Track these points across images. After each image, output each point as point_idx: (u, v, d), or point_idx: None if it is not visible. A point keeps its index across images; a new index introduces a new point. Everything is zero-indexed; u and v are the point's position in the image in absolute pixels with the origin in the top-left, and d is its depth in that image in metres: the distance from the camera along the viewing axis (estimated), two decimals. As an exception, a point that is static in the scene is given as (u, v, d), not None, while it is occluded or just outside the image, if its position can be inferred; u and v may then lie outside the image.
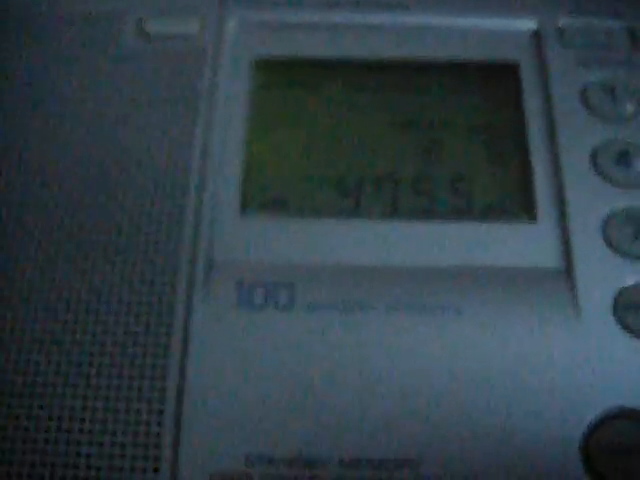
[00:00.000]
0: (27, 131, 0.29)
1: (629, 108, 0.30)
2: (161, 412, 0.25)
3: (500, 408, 0.25)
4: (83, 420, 0.25)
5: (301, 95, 0.31)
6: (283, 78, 0.31)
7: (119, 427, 0.25)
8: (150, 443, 0.24)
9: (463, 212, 0.28)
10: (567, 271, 0.27)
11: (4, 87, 0.30)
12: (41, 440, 0.24)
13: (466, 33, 0.32)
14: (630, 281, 0.26)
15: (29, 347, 0.26)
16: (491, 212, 0.28)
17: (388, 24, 0.32)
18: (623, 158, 0.29)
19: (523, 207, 0.28)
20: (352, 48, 0.31)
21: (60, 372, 0.25)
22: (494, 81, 0.31)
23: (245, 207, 0.28)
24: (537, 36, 0.32)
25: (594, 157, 0.29)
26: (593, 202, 0.28)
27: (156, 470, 0.24)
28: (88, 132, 0.29)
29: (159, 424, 0.25)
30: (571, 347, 0.25)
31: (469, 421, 0.25)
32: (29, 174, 0.28)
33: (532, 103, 0.30)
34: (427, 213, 0.28)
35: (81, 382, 0.25)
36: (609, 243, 0.27)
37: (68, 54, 0.31)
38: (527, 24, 0.32)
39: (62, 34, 0.32)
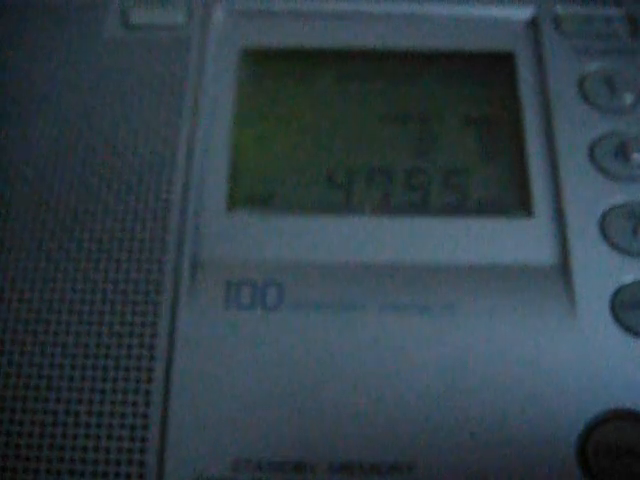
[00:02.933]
0: (6, 123, 0.29)
1: (628, 99, 0.29)
2: (146, 416, 0.24)
3: (495, 409, 0.24)
4: (66, 424, 0.24)
5: (290, 86, 0.30)
6: (272, 69, 0.30)
7: (103, 431, 0.24)
8: (135, 448, 0.24)
9: (457, 207, 0.28)
10: (564, 268, 0.26)
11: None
12: (23, 445, 0.24)
13: (460, 22, 0.31)
14: (628, 278, 0.26)
15: (10, 350, 0.25)
16: (486, 207, 0.28)
17: (380, 13, 0.31)
18: (621, 151, 0.28)
19: (519, 202, 0.28)
20: (343, 38, 0.31)
21: (42, 375, 0.25)
22: (489, 71, 0.30)
23: (232, 203, 0.28)
24: (533, 24, 0.31)
25: (592, 150, 0.28)
26: (591, 197, 0.27)
27: (141, 476, 0.24)
28: (71, 126, 0.29)
29: (144, 428, 0.24)
30: (567, 346, 0.25)
31: (463, 423, 0.24)
32: (8, 170, 0.28)
33: (528, 94, 0.29)
34: (420, 208, 0.28)
35: (64, 385, 0.25)
36: (607, 239, 0.27)
37: (51, 44, 0.31)
38: (523, 12, 0.31)
39: (45, 24, 0.31)
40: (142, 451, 0.24)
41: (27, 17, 0.31)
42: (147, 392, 0.24)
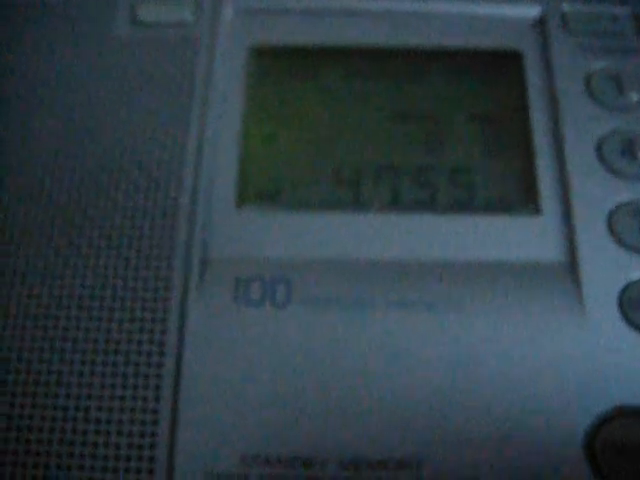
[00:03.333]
0: (15, 120, 0.29)
1: (634, 97, 0.29)
2: (156, 411, 0.24)
3: (502, 406, 0.24)
4: (76, 420, 0.24)
5: (299, 84, 0.30)
6: (280, 66, 0.30)
7: (113, 427, 0.24)
8: (145, 443, 0.24)
9: (465, 204, 0.28)
10: (572, 265, 0.26)
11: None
12: (34, 440, 0.24)
13: (468, 20, 0.31)
14: (636, 276, 0.26)
15: (20, 345, 0.25)
16: (494, 204, 0.28)
17: (388, 11, 0.31)
18: (628, 149, 0.28)
19: (527, 199, 0.28)
20: (351, 35, 0.31)
21: (52, 370, 0.25)
22: (497, 69, 0.30)
23: (241, 200, 0.28)
24: (541, 23, 0.31)
25: (599, 148, 0.28)
26: (598, 194, 0.27)
27: (151, 471, 0.24)
28: (79, 124, 0.29)
29: (154, 423, 0.24)
30: (575, 343, 0.25)
31: (471, 420, 0.24)
32: (17, 168, 0.28)
33: (535, 92, 0.29)
34: (428, 205, 0.28)
35: (74, 381, 0.25)
36: (615, 236, 0.27)
37: (59, 42, 0.30)
38: (530, 11, 0.31)
39: (54, 21, 0.31)
40: (152, 446, 0.24)
41: (36, 14, 0.31)
42: (157, 388, 0.24)
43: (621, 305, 0.26)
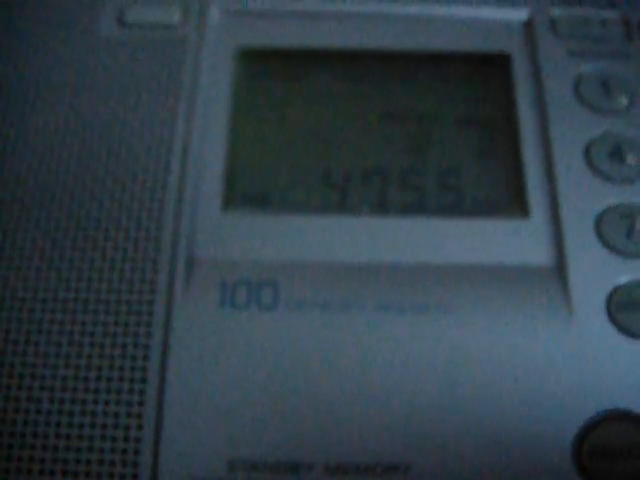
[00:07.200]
0: (0, 121, 0.28)
1: (623, 101, 0.29)
2: (140, 416, 0.24)
3: (491, 410, 0.24)
4: (59, 424, 0.24)
5: (286, 86, 0.30)
6: (267, 68, 0.30)
7: (97, 431, 0.24)
8: (129, 448, 0.24)
9: (453, 208, 0.28)
10: (559, 269, 0.26)
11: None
12: (16, 445, 0.24)
13: (456, 23, 0.31)
14: (624, 279, 0.26)
15: (2, 348, 0.25)
16: (482, 207, 0.28)
17: (375, 13, 0.31)
18: (617, 152, 0.28)
19: (515, 202, 0.28)
20: (338, 38, 0.31)
21: (36, 375, 0.25)
22: (485, 72, 0.30)
23: (227, 203, 0.27)
24: (529, 26, 0.31)
25: (587, 151, 0.28)
26: (586, 198, 0.27)
27: (135, 476, 0.23)
28: (65, 124, 0.28)
29: (138, 428, 0.24)
30: (563, 347, 0.25)
31: (458, 424, 0.24)
32: (1, 169, 0.27)
33: (524, 95, 0.29)
34: (416, 208, 0.28)
35: (57, 384, 0.24)
36: (602, 240, 0.27)
37: (45, 43, 0.30)
38: (519, 14, 0.31)
39: (40, 22, 0.31)
40: (136, 452, 0.24)
41: (22, 15, 0.31)
42: (141, 392, 0.24)
43: (609, 308, 0.25)
